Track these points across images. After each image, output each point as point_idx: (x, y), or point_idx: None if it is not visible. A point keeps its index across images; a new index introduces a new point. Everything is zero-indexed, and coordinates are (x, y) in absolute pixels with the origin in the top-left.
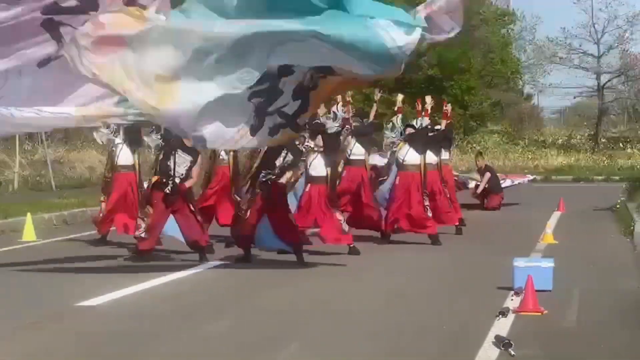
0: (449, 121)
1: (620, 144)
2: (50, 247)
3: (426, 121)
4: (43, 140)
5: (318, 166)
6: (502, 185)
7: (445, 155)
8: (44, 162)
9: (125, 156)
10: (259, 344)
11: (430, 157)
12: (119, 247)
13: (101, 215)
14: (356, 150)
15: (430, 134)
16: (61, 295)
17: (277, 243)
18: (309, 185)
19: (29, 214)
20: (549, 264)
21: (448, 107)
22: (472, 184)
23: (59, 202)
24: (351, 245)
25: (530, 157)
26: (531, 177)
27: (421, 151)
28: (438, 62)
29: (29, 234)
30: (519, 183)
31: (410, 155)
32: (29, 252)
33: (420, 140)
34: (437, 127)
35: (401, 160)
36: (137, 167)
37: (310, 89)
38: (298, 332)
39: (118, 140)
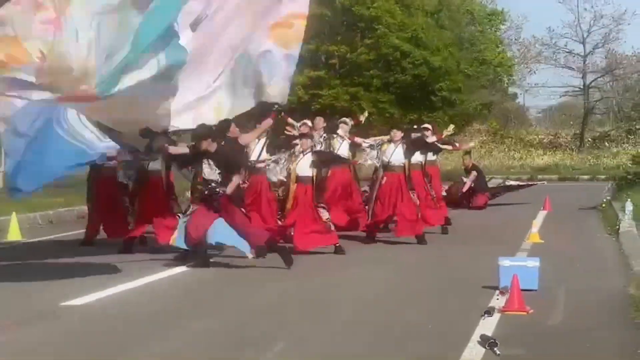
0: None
1: (606, 143)
2: (36, 247)
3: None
4: None
5: (304, 167)
6: (507, 184)
7: (431, 156)
8: None
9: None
10: (246, 343)
11: (415, 158)
12: (106, 247)
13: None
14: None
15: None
16: (47, 294)
17: (234, 240)
18: (296, 185)
19: (14, 213)
20: (534, 263)
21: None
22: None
23: (44, 202)
24: (337, 245)
25: (516, 156)
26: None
27: (408, 155)
28: (424, 61)
29: (14, 233)
30: (527, 185)
31: (395, 156)
32: (14, 251)
33: (414, 147)
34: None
35: (387, 161)
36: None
37: None
38: (284, 331)
39: None
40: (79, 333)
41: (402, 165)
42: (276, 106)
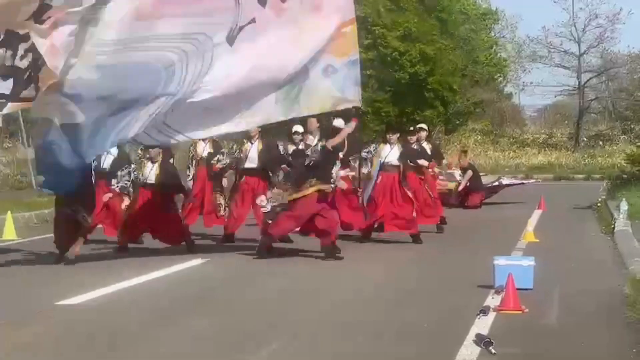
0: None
1: (601, 143)
2: (31, 246)
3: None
4: (24, 139)
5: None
6: (504, 183)
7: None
8: (24, 160)
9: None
10: (241, 341)
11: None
12: (100, 245)
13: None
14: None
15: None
16: (42, 294)
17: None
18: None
19: (9, 213)
20: (529, 262)
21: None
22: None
23: (39, 201)
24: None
25: (511, 155)
26: (533, 181)
27: (403, 159)
28: (421, 58)
29: (9, 232)
30: (521, 183)
31: (391, 157)
32: (9, 250)
33: (406, 157)
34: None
35: (382, 161)
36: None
37: None
38: (279, 330)
39: None
40: (74, 332)
41: (397, 165)
42: (354, 109)
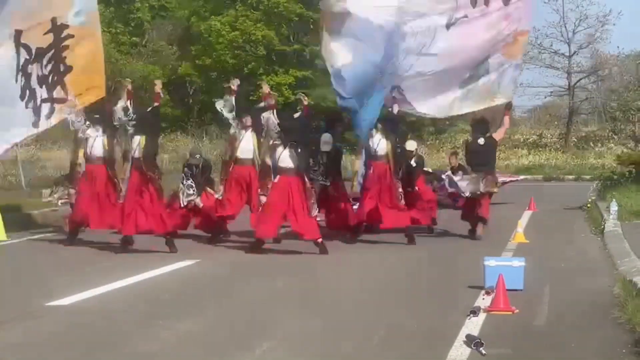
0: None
1: (591, 143)
2: (20, 247)
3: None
4: None
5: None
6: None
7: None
8: (14, 161)
9: (98, 148)
10: (232, 341)
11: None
12: (91, 246)
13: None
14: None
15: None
16: (32, 294)
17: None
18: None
19: None
20: (520, 263)
21: None
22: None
23: (29, 202)
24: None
25: (501, 156)
26: (521, 177)
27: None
28: None
29: None
30: (510, 181)
31: (381, 145)
32: None
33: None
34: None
35: (373, 150)
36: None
37: None
38: (271, 329)
39: (91, 131)
40: (64, 333)
41: (386, 154)
42: (507, 105)
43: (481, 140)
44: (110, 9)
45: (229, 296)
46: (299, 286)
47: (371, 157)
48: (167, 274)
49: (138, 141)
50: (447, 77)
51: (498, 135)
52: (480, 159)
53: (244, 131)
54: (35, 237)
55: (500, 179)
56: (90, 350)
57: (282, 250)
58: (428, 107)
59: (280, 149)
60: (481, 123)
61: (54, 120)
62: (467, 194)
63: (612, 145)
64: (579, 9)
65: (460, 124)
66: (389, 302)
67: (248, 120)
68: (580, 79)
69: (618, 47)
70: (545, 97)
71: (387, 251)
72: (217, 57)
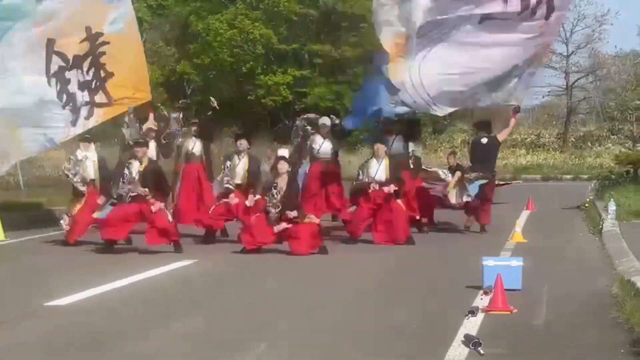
0: None
1: (589, 143)
2: (19, 246)
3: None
4: None
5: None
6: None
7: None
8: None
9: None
10: (228, 343)
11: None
12: (87, 247)
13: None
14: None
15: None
16: (30, 294)
17: None
18: None
19: None
20: (518, 263)
21: None
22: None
23: (27, 201)
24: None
25: (499, 155)
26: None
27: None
28: None
29: None
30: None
31: (380, 174)
32: None
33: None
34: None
35: (372, 177)
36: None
37: None
38: (268, 331)
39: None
40: (63, 333)
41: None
42: (515, 107)
43: (484, 140)
44: None
45: (227, 296)
46: (297, 286)
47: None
48: (165, 274)
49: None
50: (472, 81)
51: (501, 135)
52: (481, 157)
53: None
54: (33, 237)
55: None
56: (88, 350)
57: (280, 250)
58: (450, 102)
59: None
60: (485, 123)
61: (91, 123)
62: (454, 202)
63: (610, 145)
64: (577, 8)
65: (459, 124)
66: (387, 302)
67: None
68: (578, 79)
69: (616, 46)
70: (543, 97)
71: (386, 251)
72: (215, 55)
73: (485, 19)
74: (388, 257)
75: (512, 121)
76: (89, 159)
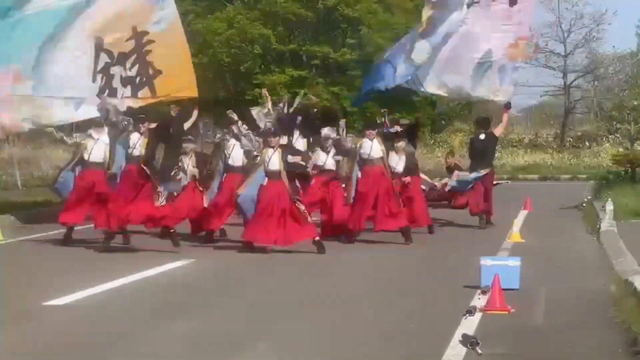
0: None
1: (587, 143)
2: (17, 246)
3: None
4: (9, 139)
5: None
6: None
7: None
8: (9, 160)
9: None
10: (227, 342)
11: (395, 161)
12: (85, 246)
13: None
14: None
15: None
16: (28, 294)
17: None
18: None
19: None
20: (516, 262)
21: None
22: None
23: (25, 201)
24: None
25: (496, 155)
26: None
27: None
28: None
29: None
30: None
31: (374, 149)
32: None
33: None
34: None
35: (367, 155)
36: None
37: None
38: (267, 331)
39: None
40: (60, 333)
41: (380, 157)
42: (506, 104)
43: (482, 136)
44: None
45: (226, 296)
46: (295, 286)
47: (364, 161)
48: (162, 274)
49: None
50: (457, 59)
51: (497, 131)
52: (480, 152)
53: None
54: (31, 237)
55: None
56: (86, 350)
57: (278, 249)
58: (438, 86)
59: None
60: (484, 119)
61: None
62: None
63: (608, 144)
64: (575, 8)
65: (457, 124)
66: (385, 302)
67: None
68: (576, 79)
69: (614, 46)
70: (541, 97)
71: (383, 251)
72: (213, 55)
73: (472, 4)
74: (386, 257)
75: (505, 116)
76: (101, 141)
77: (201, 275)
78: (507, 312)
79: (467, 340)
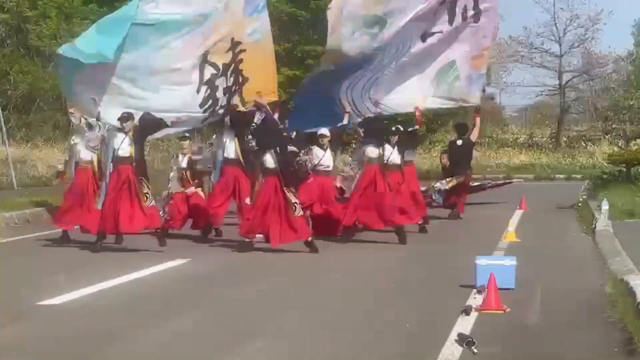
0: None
1: (582, 143)
2: (12, 246)
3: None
4: (4, 138)
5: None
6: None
7: (411, 156)
8: (5, 160)
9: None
10: (223, 341)
11: (393, 159)
12: (81, 245)
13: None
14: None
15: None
16: (24, 294)
17: None
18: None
19: None
20: (511, 262)
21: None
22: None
23: (20, 201)
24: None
25: (492, 155)
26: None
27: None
28: None
29: None
30: (504, 183)
31: (372, 151)
32: None
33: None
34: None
35: (367, 158)
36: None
37: None
38: (262, 329)
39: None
40: (55, 332)
41: (378, 157)
42: (476, 108)
43: (459, 142)
44: (103, 8)
45: (221, 295)
46: (290, 285)
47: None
48: (157, 273)
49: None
50: (410, 70)
51: (473, 136)
52: (458, 157)
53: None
54: (26, 236)
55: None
56: (81, 350)
57: (273, 249)
58: (391, 101)
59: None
60: (462, 125)
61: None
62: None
63: (603, 144)
64: (570, 8)
65: (453, 123)
66: (380, 301)
67: None
68: (571, 79)
69: (609, 46)
70: (536, 97)
71: (378, 250)
72: None
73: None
74: (381, 257)
75: (477, 120)
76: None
77: (197, 274)
78: (502, 312)
79: (463, 340)
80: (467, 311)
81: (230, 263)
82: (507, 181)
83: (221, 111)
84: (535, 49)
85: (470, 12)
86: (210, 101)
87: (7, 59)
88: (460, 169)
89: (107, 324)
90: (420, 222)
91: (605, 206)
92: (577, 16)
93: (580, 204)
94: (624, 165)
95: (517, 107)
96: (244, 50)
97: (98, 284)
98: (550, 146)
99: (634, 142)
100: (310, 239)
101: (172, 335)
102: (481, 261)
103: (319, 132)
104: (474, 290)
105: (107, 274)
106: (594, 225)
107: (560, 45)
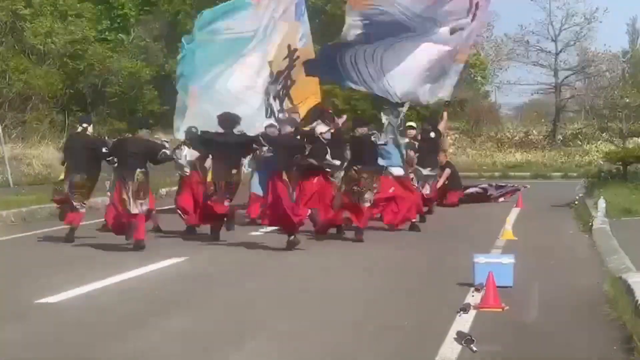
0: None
1: (578, 141)
2: (8, 244)
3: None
4: (0, 137)
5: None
6: (492, 193)
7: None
8: (1, 159)
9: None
10: (220, 340)
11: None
12: (80, 244)
13: None
14: None
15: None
16: (20, 292)
17: None
18: None
19: None
20: (509, 260)
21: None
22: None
23: (16, 199)
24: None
25: (487, 153)
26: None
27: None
28: None
29: None
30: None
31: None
32: None
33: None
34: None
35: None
36: None
37: None
38: (260, 328)
39: None
40: (53, 331)
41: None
42: (446, 102)
43: (432, 134)
44: (99, 7)
45: (219, 294)
46: (289, 284)
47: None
48: (156, 272)
49: None
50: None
51: (440, 127)
52: (430, 149)
53: None
54: (22, 234)
55: (493, 192)
56: (78, 348)
57: (271, 248)
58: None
59: None
60: (432, 119)
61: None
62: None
63: (600, 142)
64: (566, 6)
65: (449, 122)
66: (379, 300)
67: None
68: (567, 77)
69: (605, 44)
70: (532, 95)
71: (377, 249)
72: None
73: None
74: (379, 255)
75: (445, 114)
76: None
77: (195, 273)
78: (501, 310)
79: (461, 338)
80: (465, 309)
81: (228, 261)
82: (515, 188)
83: (281, 115)
84: (531, 47)
85: (472, 9)
86: (269, 109)
87: (2, 57)
88: (430, 163)
89: (104, 323)
90: (415, 219)
91: (602, 204)
92: (572, 14)
93: (577, 202)
94: (620, 163)
95: (512, 105)
96: (299, 57)
97: (96, 282)
98: (546, 144)
99: (630, 139)
100: (292, 237)
101: (170, 333)
102: (479, 259)
103: (316, 130)
104: (472, 289)
105: (105, 271)
106: (591, 223)
107: (556, 43)
